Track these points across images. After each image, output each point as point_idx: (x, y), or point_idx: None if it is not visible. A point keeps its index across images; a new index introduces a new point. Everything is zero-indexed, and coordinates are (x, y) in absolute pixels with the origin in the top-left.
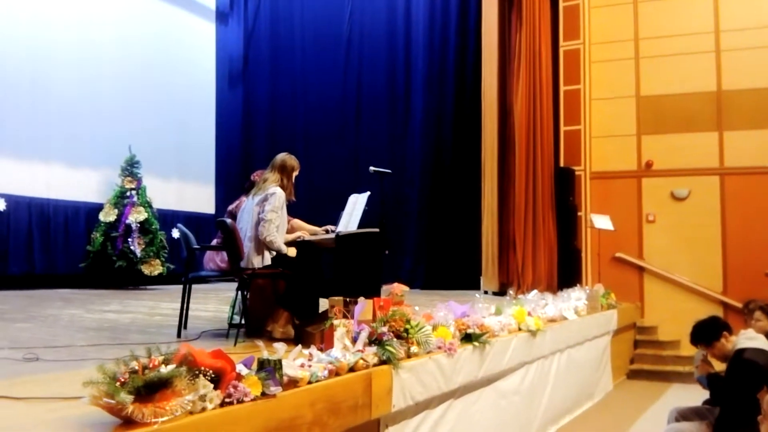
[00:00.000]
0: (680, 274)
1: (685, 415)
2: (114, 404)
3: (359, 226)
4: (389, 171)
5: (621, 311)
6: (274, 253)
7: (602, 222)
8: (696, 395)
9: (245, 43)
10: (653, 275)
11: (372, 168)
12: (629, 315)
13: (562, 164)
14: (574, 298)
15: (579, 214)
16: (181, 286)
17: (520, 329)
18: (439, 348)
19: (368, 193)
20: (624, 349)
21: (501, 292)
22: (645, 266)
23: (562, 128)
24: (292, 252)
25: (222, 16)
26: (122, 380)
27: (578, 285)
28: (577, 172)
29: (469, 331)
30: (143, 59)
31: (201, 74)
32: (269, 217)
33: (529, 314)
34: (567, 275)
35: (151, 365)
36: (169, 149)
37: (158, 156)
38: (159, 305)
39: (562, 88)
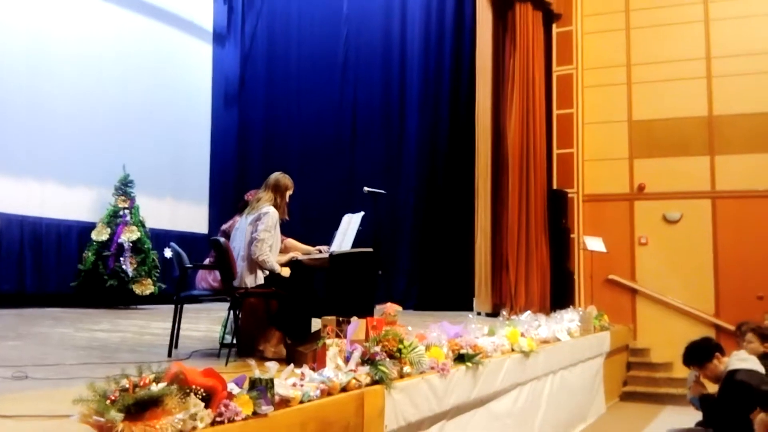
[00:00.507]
0: (673, 297)
1: None
2: (104, 422)
3: (353, 246)
4: (383, 191)
5: (614, 333)
6: (267, 272)
7: (595, 244)
8: (689, 417)
9: (241, 64)
10: (646, 297)
11: (366, 188)
12: (622, 337)
13: (555, 187)
14: (567, 319)
15: (572, 236)
16: (172, 306)
17: (513, 350)
18: (432, 368)
19: (362, 213)
20: (617, 371)
21: (494, 314)
22: (638, 288)
23: (555, 151)
24: (285, 272)
25: (219, 38)
26: (112, 398)
27: (571, 306)
28: (569, 195)
29: (462, 351)
30: (140, 78)
31: (197, 94)
32: (262, 236)
33: (522, 335)
34: (560, 297)
35: (141, 383)
36: (164, 169)
37: (152, 175)
38: (150, 324)
39: (555, 111)
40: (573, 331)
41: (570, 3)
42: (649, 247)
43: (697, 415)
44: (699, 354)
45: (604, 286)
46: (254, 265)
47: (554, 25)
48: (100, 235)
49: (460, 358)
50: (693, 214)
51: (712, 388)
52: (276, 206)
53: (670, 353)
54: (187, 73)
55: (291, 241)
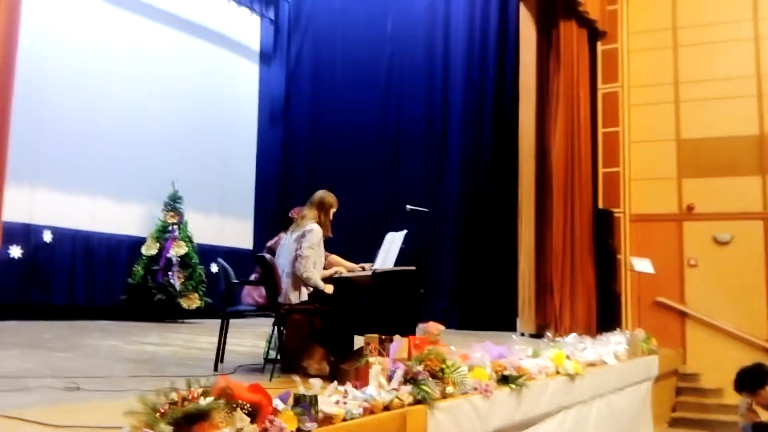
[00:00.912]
0: (724, 320)
1: None
2: None
3: (396, 264)
4: (426, 209)
5: (662, 357)
6: (311, 289)
7: (642, 265)
8: None
9: (287, 83)
10: (696, 321)
11: (408, 206)
12: (671, 361)
13: (600, 206)
14: (614, 342)
15: (618, 256)
16: (218, 320)
17: (558, 372)
18: (475, 389)
19: (405, 231)
20: (665, 396)
21: (538, 335)
22: (687, 311)
23: (601, 170)
24: (329, 288)
25: (265, 57)
26: (162, 411)
27: (618, 329)
28: (616, 215)
29: (506, 372)
30: (188, 97)
31: (243, 112)
32: (306, 253)
33: (568, 357)
34: (606, 319)
35: (190, 397)
36: (211, 185)
37: (200, 191)
38: (196, 339)
39: (601, 130)
40: (620, 355)
41: (615, 20)
42: (699, 269)
43: None
44: (751, 380)
45: (651, 309)
46: (298, 281)
47: (599, 43)
48: (149, 249)
49: (504, 380)
50: (744, 236)
51: (765, 415)
52: (320, 223)
53: (721, 378)
54: (234, 92)
55: (335, 258)
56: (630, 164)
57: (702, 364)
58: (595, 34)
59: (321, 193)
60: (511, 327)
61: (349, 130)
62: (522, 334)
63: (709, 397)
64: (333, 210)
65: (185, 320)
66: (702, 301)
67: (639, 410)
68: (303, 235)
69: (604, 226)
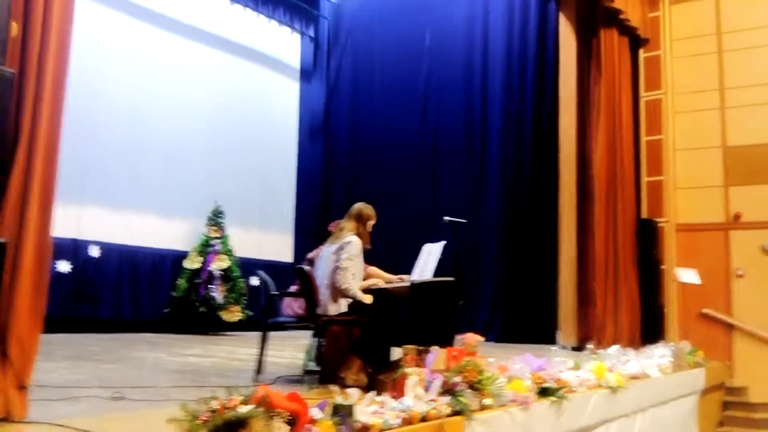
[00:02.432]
0: None
1: None
2: None
3: (434, 276)
4: (464, 221)
5: (709, 370)
6: (351, 300)
7: (688, 276)
8: None
9: (327, 99)
10: (743, 333)
11: (446, 218)
12: (718, 374)
13: (644, 216)
14: (658, 354)
15: (662, 267)
16: (258, 333)
17: (600, 385)
18: (514, 401)
19: (443, 242)
20: (712, 410)
21: (579, 348)
22: (734, 323)
23: (644, 179)
24: (368, 299)
25: (306, 74)
26: (203, 419)
27: (662, 341)
28: (660, 224)
29: (546, 385)
30: (231, 114)
31: (284, 128)
32: (345, 265)
33: (610, 370)
34: (650, 331)
35: (230, 405)
36: (252, 199)
37: (241, 206)
38: (237, 350)
39: (644, 138)
40: (664, 367)
41: (657, 28)
42: (746, 280)
43: None
44: None
45: (697, 321)
46: (337, 293)
47: (641, 50)
48: (192, 263)
49: (543, 392)
50: None
51: None
52: (359, 235)
53: None
54: (275, 109)
55: (374, 269)
56: (674, 172)
57: (750, 377)
58: (636, 41)
59: (359, 206)
60: (551, 340)
61: (388, 144)
62: (563, 347)
63: (758, 411)
64: (371, 222)
65: (227, 333)
66: (750, 313)
67: (684, 424)
68: (342, 247)
69: (647, 235)
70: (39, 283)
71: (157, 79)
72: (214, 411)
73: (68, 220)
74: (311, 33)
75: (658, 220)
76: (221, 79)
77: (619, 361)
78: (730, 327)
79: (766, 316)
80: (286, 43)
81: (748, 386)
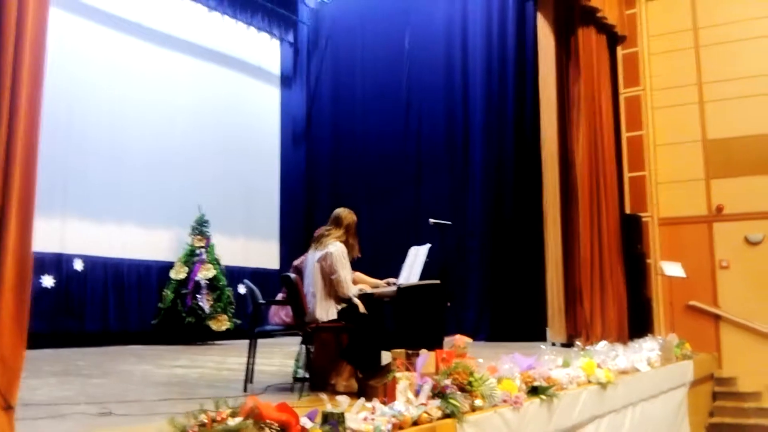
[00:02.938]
0: (760, 322)
1: None
2: None
3: (421, 278)
4: (449, 222)
5: (697, 362)
6: (339, 307)
7: (673, 269)
8: None
9: (308, 104)
10: (730, 324)
11: (432, 220)
12: (706, 366)
13: (627, 211)
14: (647, 348)
15: (648, 261)
16: (247, 341)
17: (589, 382)
18: (505, 401)
19: (429, 245)
20: (702, 402)
21: (568, 344)
22: (721, 314)
23: (627, 175)
24: (362, 307)
25: (286, 80)
26: None
27: (650, 335)
28: (644, 219)
29: (536, 383)
30: (212, 122)
31: (266, 135)
32: (341, 275)
33: (599, 366)
34: (638, 325)
35: (219, 418)
36: (236, 207)
37: (225, 214)
38: (226, 360)
39: (625, 134)
40: (653, 361)
41: (635, 24)
42: (731, 271)
43: None
44: None
45: (684, 313)
46: (324, 300)
47: (619, 48)
48: (178, 273)
49: (534, 391)
50: None
51: None
52: (347, 243)
53: (759, 382)
54: (256, 116)
55: (359, 275)
56: (656, 167)
57: (738, 367)
58: (614, 39)
59: (338, 211)
60: (541, 337)
61: (371, 147)
62: (552, 344)
63: (747, 401)
64: (353, 225)
65: (215, 342)
66: (736, 303)
67: (675, 417)
68: (325, 256)
69: (632, 231)
70: (21, 298)
71: (136, 88)
72: (202, 424)
73: (51, 234)
74: (290, 38)
75: (641, 215)
76: (201, 87)
77: (607, 356)
78: (717, 318)
79: (752, 306)
80: (266, 49)
81: (736, 376)
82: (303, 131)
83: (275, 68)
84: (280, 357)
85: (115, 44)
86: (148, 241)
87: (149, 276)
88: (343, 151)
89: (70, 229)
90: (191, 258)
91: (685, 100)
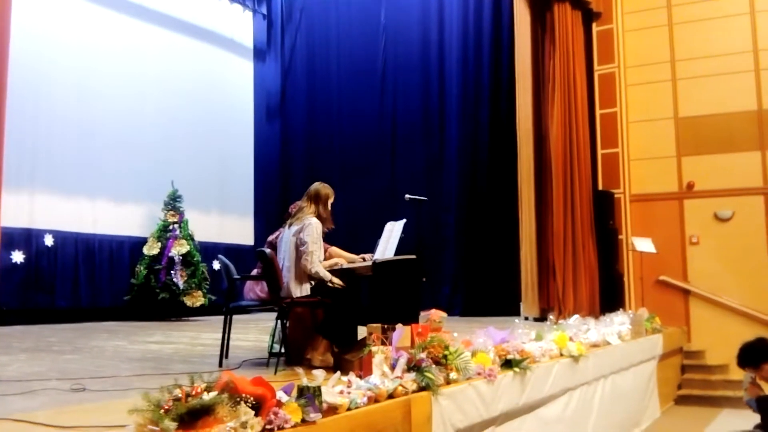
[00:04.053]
0: (727, 297)
1: None
2: (158, 431)
3: (396, 254)
4: (425, 198)
5: (666, 335)
6: (314, 282)
7: (644, 245)
8: (747, 420)
9: (282, 78)
10: (699, 298)
11: (408, 195)
12: (675, 339)
13: (600, 188)
14: (618, 322)
15: (620, 237)
16: (222, 317)
17: (561, 355)
18: (479, 374)
19: (404, 220)
20: (671, 374)
21: (542, 318)
22: (690, 289)
23: (600, 151)
24: (338, 280)
25: (259, 53)
26: (166, 407)
27: (621, 309)
28: (616, 195)
29: (509, 356)
30: (184, 96)
31: (239, 109)
32: (311, 249)
33: (571, 339)
34: (609, 300)
35: (193, 393)
36: (210, 183)
37: (199, 189)
38: (201, 336)
39: (598, 111)
40: (624, 335)
41: (609, 1)
42: (701, 247)
43: (754, 418)
44: (753, 355)
45: (655, 288)
46: (300, 275)
47: (594, 24)
48: (151, 249)
49: (507, 364)
50: (745, 211)
51: None
52: (319, 216)
53: (726, 355)
54: (229, 89)
55: (335, 250)
56: (628, 144)
57: (706, 341)
58: (589, 15)
59: (316, 186)
60: (514, 312)
61: (346, 122)
62: (526, 318)
63: (715, 373)
64: (330, 201)
65: (189, 318)
66: (705, 279)
67: (645, 389)
68: (301, 230)
69: (604, 207)
70: None
71: (104, 61)
72: (177, 399)
73: (20, 209)
74: (263, 10)
75: (614, 191)
76: (172, 60)
77: (579, 330)
78: (687, 293)
79: (720, 281)
80: (238, 21)
81: (705, 349)
82: (277, 106)
83: (248, 41)
84: (256, 332)
85: (83, 16)
86: (120, 216)
87: (121, 252)
88: (318, 126)
89: (40, 205)
90: (164, 233)
91: (658, 78)
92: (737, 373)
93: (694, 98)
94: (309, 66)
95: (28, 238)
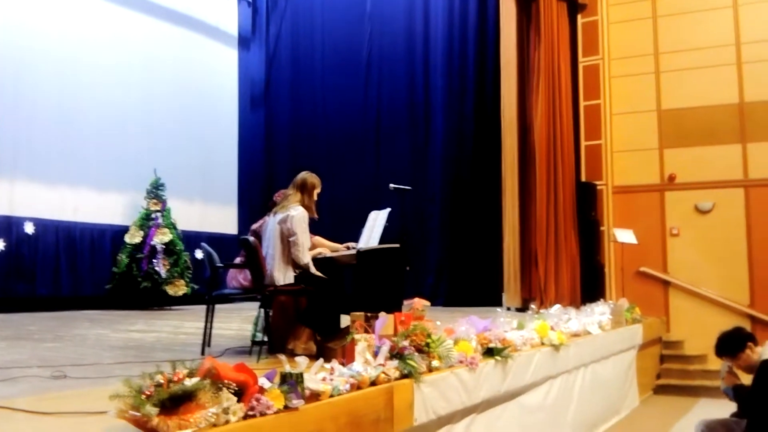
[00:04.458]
0: (706, 288)
1: (711, 427)
2: (139, 417)
3: (380, 243)
4: (409, 188)
5: (646, 326)
6: (298, 270)
7: (625, 236)
8: (724, 410)
9: (267, 67)
10: (678, 289)
11: (392, 185)
12: (655, 329)
13: (583, 179)
14: (598, 312)
15: (602, 228)
16: (204, 307)
17: (543, 344)
18: (461, 362)
19: (388, 209)
20: (650, 364)
21: (523, 309)
22: (670, 280)
23: (583, 143)
24: (320, 275)
25: (244, 41)
26: (147, 393)
27: (602, 300)
28: (598, 187)
29: (491, 345)
30: (167, 84)
31: (224, 98)
32: (300, 239)
33: (552, 329)
34: (590, 290)
35: (175, 378)
36: (193, 171)
37: (182, 178)
38: (183, 324)
39: (582, 103)
40: (604, 324)
41: None
42: (681, 238)
43: (731, 407)
44: (731, 344)
45: (635, 279)
46: (283, 263)
47: (579, 16)
48: (133, 238)
49: (489, 352)
50: (725, 204)
51: (746, 378)
52: (304, 205)
53: (704, 345)
54: (213, 77)
55: (318, 239)
56: (611, 136)
57: (685, 331)
58: (575, 7)
59: (303, 175)
60: (497, 302)
61: (331, 111)
62: (508, 309)
63: (693, 363)
64: (317, 191)
65: (172, 307)
66: (684, 270)
67: (624, 378)
68: (286, 219)
69: (586, 198)
70: None
71: (88, 48)
72: (159, 385)
73: (0, 197)
74: None
75: (596, 183)
76: (156, 48)
77: (560, 319)
78: (666, 284)
79: (699, 273)
80: (223, 8)
81: (683, 340)
82: (262, 94)
83: (233, 29)
84: (239, 321)
85: (65, 2)
86: (102, 204)
87: (103, 240)
88: (302, 115)
89: (20, 192)
90: (147, 222)
91: (641, 70)
92: (715, 363)
93: (677, 91)
94: (294, 54)
95: (8, 226)
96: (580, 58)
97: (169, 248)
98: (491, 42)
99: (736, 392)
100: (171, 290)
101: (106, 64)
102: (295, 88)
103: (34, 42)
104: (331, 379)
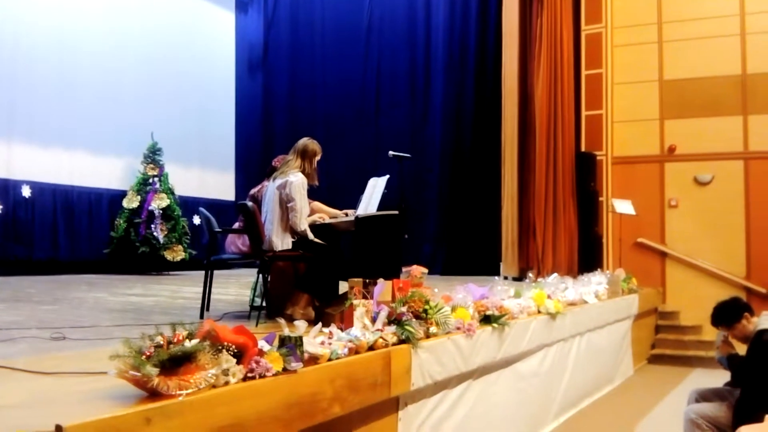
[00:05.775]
0: (703, 260)
1: (705, 395)
2: (140, 377)
3: (379, 209)
4: (408, 155)
5: (642, 296)
6: (295, 237)
7: (623, 207)
8: (718, 380)
9: (265, 31)
10: (675, 260)
11: (391, 152)
12: (651, 300)
13: (583, 149)
14: (595, 282)
15: (600, 199)
16: (203, 272)
17: (539, 312)
18: (458, 329)
19: (387, 176)
20: (645, 334)
21: (520, 278)
22: (667, 251)
23: (584, 113)
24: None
25: (242, 5)
26: (148, 354)
27: (599, 270)
28: (598, 157)
29: (488, 312)
30: (165, 48)
31: (221, 62)
32: (299, 206)
33: (549, 297)
34: (588, 260)
35: (175, 340)
36: (191, 137)
37: (180, 143)
38: (181, 289)
39: (584, 72)
40: (600, 294)
41: None
42: (680, 210)
43: (726, 377)
44: (727, 314)
45: (633, 250)
46: (282, 228)
47: None
48: (130, 202)
49: (486, 319)
50: (725, 176)
51: (741, 348)
52: (304, 172)
53: (700, 316)
54: (211, 41)
55: (318, 204)
56: (612, 106)
57: (681, 302)
58: None
59: (304, 141)
60: (495, 271)
61: (330, 77)
62: (505, 278)
63: (688, 334)
64: (317, 158)
65: (170, 272)
66: (682, 241)
67: (619, 347)
68: (285, 185)
69: (586, 169)
70: None
71: (85, 13)
72: (158, 346)
73: None
74: None
75: (596, 153)
76: (152, 11)
77: (557, 288)
78: (664, 255)
79: (696, 244)
80: None
81: (679, 310)
82: (260, 59)
83: None
84: (237, 287)
85: None
86: (99, 168)
87: (100, 204)
88: (301, 80)
89: (17, 155)
90: (144, 187)
91: (644, 40)
92: (710, 334)
93: (680, 61)
94: (292, 19)
95: (5, 189)
96: (583, 27)
97: (166, 213)
98: (493, 10)
99: (731, 361)
100: (169, 255)
101: (104, 27)
102: (294, 53)
103: (31, 6)
104: (330, 344)
